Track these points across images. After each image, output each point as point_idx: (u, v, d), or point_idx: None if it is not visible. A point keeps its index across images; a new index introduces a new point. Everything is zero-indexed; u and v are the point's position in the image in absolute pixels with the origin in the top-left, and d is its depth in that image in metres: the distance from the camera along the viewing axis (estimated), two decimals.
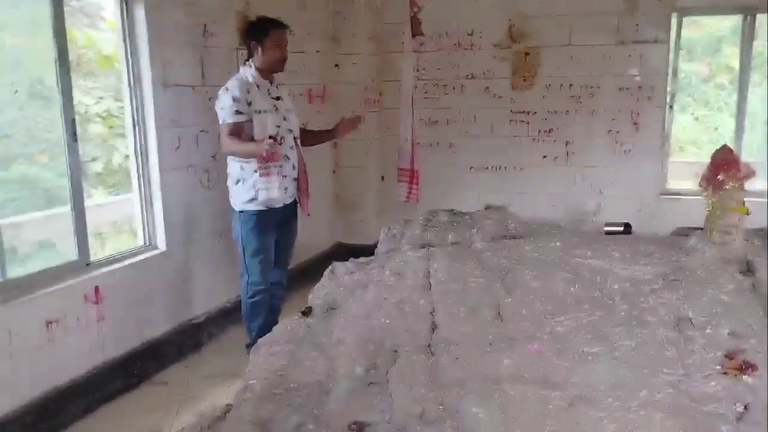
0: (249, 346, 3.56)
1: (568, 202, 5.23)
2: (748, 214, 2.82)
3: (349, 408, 2.20)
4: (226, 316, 4.15)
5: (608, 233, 3.47)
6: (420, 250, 3.07)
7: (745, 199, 2.84)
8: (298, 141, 3.67)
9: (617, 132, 5.13)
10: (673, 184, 5.27)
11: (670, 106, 5.07)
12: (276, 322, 3.20)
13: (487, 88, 5.40)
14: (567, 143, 5.28)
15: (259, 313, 3.66)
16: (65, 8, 3.14)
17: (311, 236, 5.17)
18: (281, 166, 3.49)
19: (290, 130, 3.60)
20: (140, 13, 3.47)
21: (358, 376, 2.34)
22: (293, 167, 3.61)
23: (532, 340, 2.33)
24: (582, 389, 2.09)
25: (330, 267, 3.13)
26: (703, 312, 2.37)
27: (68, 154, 3.18)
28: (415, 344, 2.44)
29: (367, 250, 3.57)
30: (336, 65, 5.50)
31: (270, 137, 3.25)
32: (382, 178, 5.70)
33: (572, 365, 2.19)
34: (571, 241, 3.02)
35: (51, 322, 3.00)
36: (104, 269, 3.32)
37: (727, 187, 2.77)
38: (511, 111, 5.38)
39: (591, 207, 4.72)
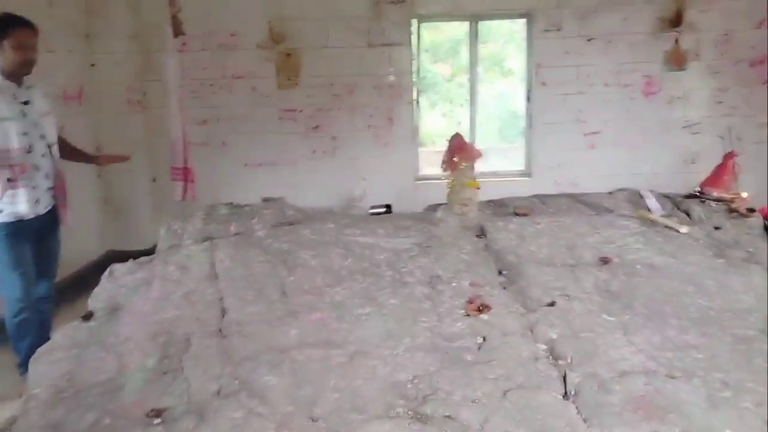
0: (21, 365, 3.33)
1: (338, 190, 5.66)
2: (478, 188, 3.42)
3: (144, 397, 2.26)
4: None
5: (373, 214, 3.90)
6: (203, 243, 3.18)
7: (476, 177, 3.45)
8: (54, 148, 3.42)
9: (376, 126, 5.69)
10: (427, 171, 6.00)
11: (417, 102, 5.76)
12: (48, 338, 2.99)
13: (254, 87, 5.60)
14: (333, 138, 5.71)
15: (27, 332, 3.40)
16: None
17: (78, 245, 4.90)
18: (30, 178, 3.26)
19: (43, 137, 3.34)
20: None
21: (150, 367, 2.40)
22: (46, 176, 3.37)
23: (314, 310, 2.61)
24: (359, 345, 2.41)
25: (108, 270, 3.09)
26: (449, 270, 2.86)
27: None
28: (207, 330, 2.57)
29: (143, 255, 3.50)
30: (92, 64, 5.26)
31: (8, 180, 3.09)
32: (154, 179, 5.58)
33: (349, 326, 2.51)
34: (342, 222, 3.37)
35: None
36: None
37: (461, 167, 3.34)
38: (280, 109, 5.65)
39: (357, 193, 5.20)
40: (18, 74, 3.24)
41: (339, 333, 2.49)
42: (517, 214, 3.45)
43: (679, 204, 3.65)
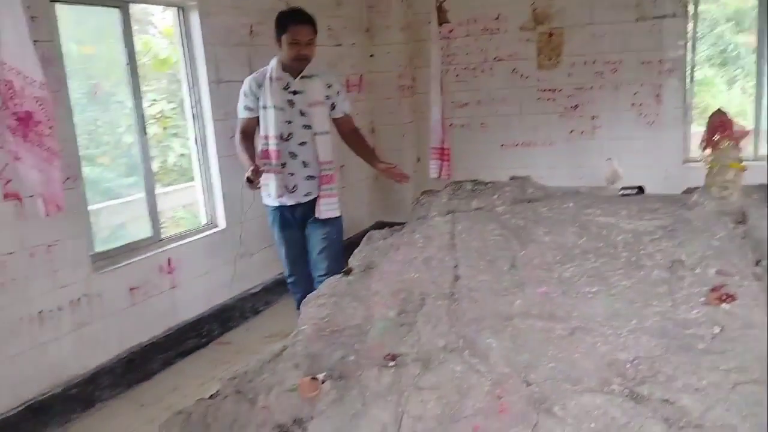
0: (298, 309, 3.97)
1: (595, 172, 5.49)
2: (744, 170, 3.08)
3: (383, 343, 2.61)
4: (281, 284, 4.62)
5: (623, 195, 3.74)
6: (446, 216, 3.44)
7: (741, 158, 3.10)
8: (321, 138, 3.40)
9: (641, 105, 5.36)
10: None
11: (691, 78, 5.26)
12: None
13: (515, 69, 5.70)
14: (593, 117, 5.54)
15: (296, 290, 3.77)
16: None
17: (354, 216, 5.64)
18: (284, 164, 3.36)
19: (308, 126, 3.37)
20: (195, 19, 3.94)
21: (391, 318, 2.74)
22: (303, 164, 3.40)
23: (541, 284, 2.68)
24: (581, 321, 2.43)
25: (367, 235, 3.54)
26: (694, 255, 2.66)
27: (140, 147, 3.69)
28: (440, 292, 2.82)
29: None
30: (371, 55, 5.91)
31: (254, 168, 3.06)
32: (418, 159, 6.08)
33: (574, 302, 2.53)
34: (583, 202, 3.33)
35: (133, 289, 3.51)
36: (174, 244, 3.83)
37: (722, 146, 3.04)
38: (538, 89, 5.67)
39: (608, 174, 4.94)
40: (293, 68, 3.32)
41: (563, 308, 2.53)
42: None
43: None
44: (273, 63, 3.34)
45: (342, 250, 3.68)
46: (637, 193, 3.92)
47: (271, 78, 3.29)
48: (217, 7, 4.07)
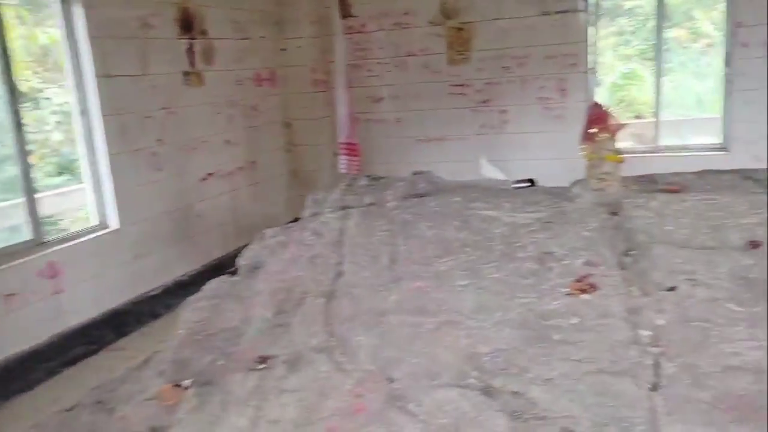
0: None
1: (505, 166, 5.56)
2: (621, 162, 3.15)
3: (256, 345, 2.55)
4: (183, 287, 4.49)
5: (516, 188, 3.79)
6: (338, 212, 3.41)
7: (618, 150, 3.18)
8: None
9: (547, 98, 5.45)
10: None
11: (594, 72, 5.39)
12: None
13: (426, 64, 5.71)
14: (502, 112, 5.61)
15: None
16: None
17: (270, 212, 5.55)
18: None
19: None
20: (78, 10, 3.75)
21: (268, 319, 2.69)
22: None
23: (417, 279, 2.68)
24: (450, 315, 2.44)
25: (260, 233, 3.47)
26: (565, 247, 2.71)
27: (16, 145, 3.50)
28: (320, 290, 2.79)
29: None
30: (282, 49, 5.81)
31: None
32: (334, 153, 6.01)
33: (445, 296, 2.54)
34: (471, 195, 3.35)
35: (9, 296, 3.33)
36: (58, 247, 3.66)
37: (599, 139, 3.11)
38: (450, 84, 5.70)
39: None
40: None
41: (434, 302, 2.54)
42: (665, 191, 3.12)
43: None
44: None
45: None
46: (528, 186, 3.99)
47: None
48: None
